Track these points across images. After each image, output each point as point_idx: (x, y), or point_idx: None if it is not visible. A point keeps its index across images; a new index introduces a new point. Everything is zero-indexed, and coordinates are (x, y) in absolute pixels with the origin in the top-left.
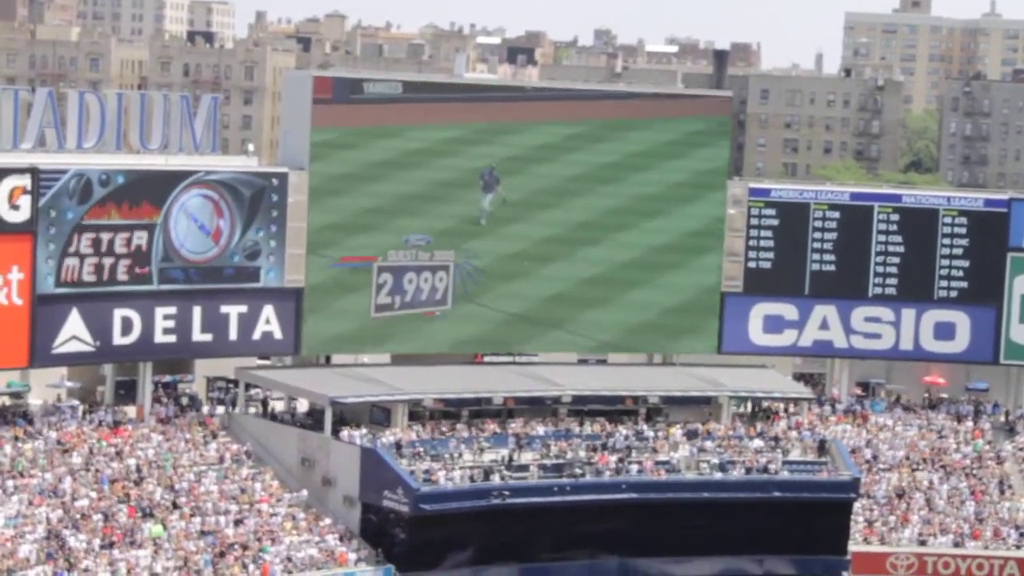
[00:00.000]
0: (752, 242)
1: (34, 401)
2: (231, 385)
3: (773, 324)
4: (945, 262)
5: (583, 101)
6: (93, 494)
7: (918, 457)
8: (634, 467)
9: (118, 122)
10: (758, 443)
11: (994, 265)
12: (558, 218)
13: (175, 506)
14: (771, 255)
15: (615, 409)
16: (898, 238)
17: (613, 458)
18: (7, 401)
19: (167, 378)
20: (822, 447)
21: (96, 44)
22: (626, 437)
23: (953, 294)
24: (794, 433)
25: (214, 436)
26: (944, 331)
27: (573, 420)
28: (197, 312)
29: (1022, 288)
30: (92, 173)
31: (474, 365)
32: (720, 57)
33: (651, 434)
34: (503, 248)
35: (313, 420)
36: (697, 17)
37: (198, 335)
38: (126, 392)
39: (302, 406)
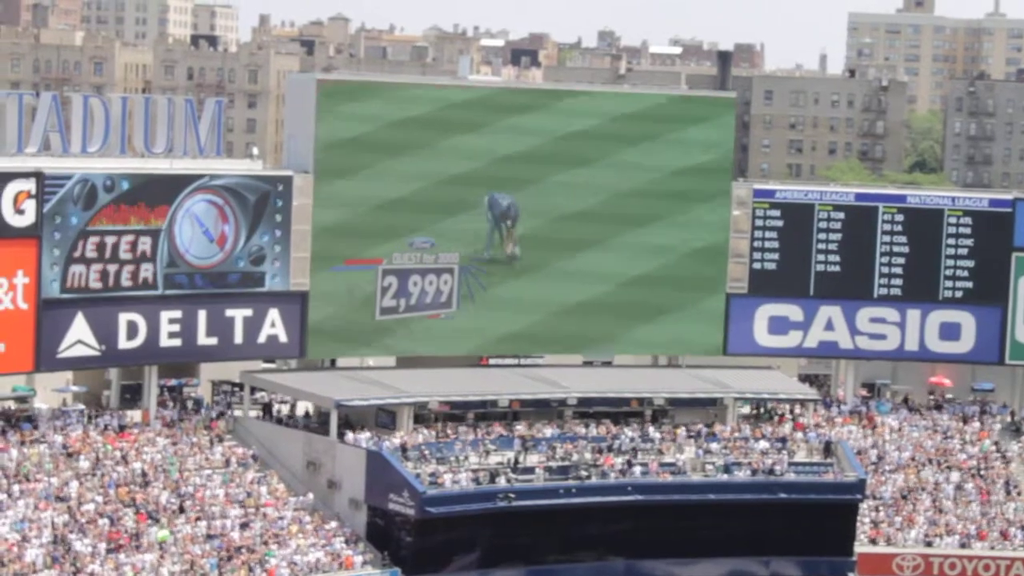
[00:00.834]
0: (757, 243)
1: (40, 405)
2: (236, 388)
3: (778, 325)
4: (950, 262)
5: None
6: (99, 498)
7: (924, 458)
8: (639, 469)
9: (122, 126)
10: (764, 444)
11: (999, 265)
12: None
13: (181, 510)
14: (776, 256)
15: (620, 411)
16: (903, 238)
17: (619, 460)
18: (13, 405)
19: (172, 382)
20: (828, 448)
21: (100, 48)
22: (631, 439)
23: (958, 294)
24: (800, 434)
25: (220, 440)
26: (949, 331)
27: (578, 422)
28: (202, 316)
29: None
30: (97, 178)
31: (479, 368)
32: (724, 58)
33: (657, 436)
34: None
35: (319, 423)
36: (701, 18)
37: (203, 339)
38: (131, 396)
39: (307, 409)
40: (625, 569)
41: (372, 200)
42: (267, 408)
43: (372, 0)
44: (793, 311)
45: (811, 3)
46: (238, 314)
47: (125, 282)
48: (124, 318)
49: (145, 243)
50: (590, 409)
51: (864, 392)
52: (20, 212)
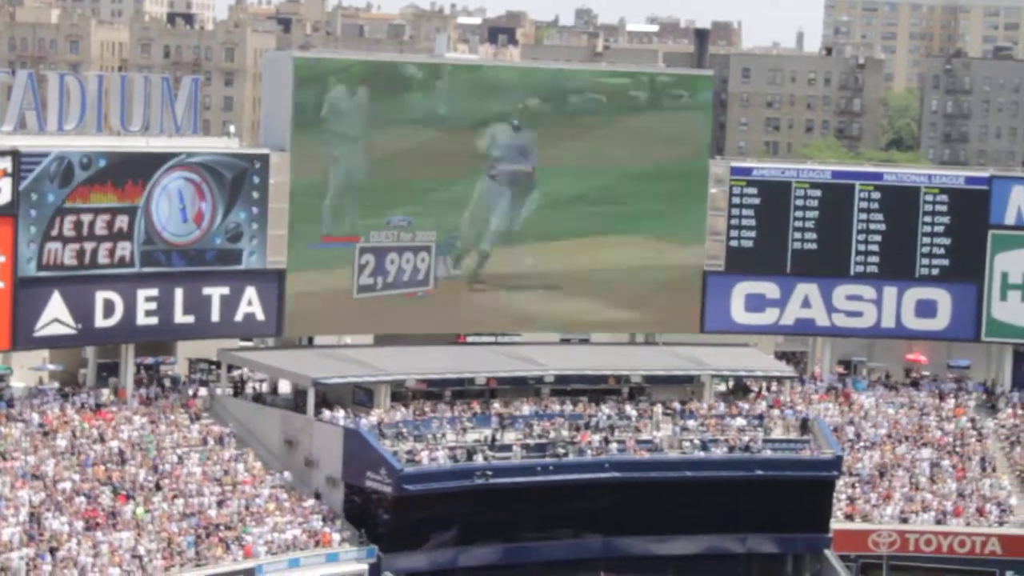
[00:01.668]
0: (734, 221)
1: (16, 384)
2: (213, 367)
3: (755, 303)
4: (926, 240)
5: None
6: (76, 476)
7: (900, 435)
8: (616, 446)
9: (99, 104)
10: (740, 422)
11: (975, 242)
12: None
13: (158, 488)
14: (753, 234)
15: (598, 388)
16: (879, 216)
17: (596, 437)
18: None
19: (149, 360)
20: (804, 425)
21: (76, 26)
22: (608, 416)
23: (935, 272)
24: (776, 411)
25: (197, 418)
26: (926, 309)
27: (556, 400)
28: (179, 294)
29: (1003, 265)
30: (73, 156)
31: (457, 345)
32: (701, 36)
33: (634, 413)
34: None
35: (296, 401)
36: None
37: (180, 317)
38: (108, 374)
39: (284, 387)
40: (602, 546)
41: (349, 178)
42: (239, 386)
43: None
44: (770, 289)
45: None
46: (215, 292)
47: (102, 260)
48: (101, 296)
49: (122, 221)
50: (567, 387)
51: (840, 369)
52: None
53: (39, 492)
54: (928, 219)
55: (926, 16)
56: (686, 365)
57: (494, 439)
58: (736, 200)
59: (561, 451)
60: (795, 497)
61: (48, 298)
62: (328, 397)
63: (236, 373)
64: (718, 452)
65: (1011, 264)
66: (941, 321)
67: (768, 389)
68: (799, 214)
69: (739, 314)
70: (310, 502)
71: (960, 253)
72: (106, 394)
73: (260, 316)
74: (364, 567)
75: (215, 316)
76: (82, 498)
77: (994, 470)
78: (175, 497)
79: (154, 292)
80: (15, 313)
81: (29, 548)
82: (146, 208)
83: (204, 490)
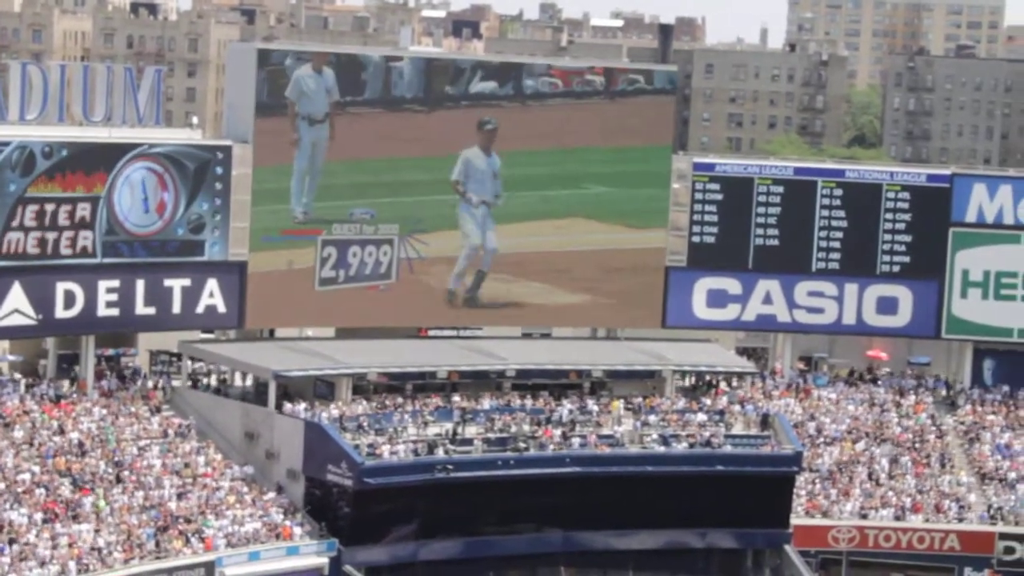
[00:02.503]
0: (696, 216)
1: None
2: (174, 359)
3: (717, 298)
4: (888, 237)
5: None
6: (35, 468)
7: (860, 431)
8: (578, 441)
9: (61, 94)
10: (701, 417)
11: (936, 240)
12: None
13: (118, 480)
14: (715, 229)
15: (559, 383)
16: (841, 213)
17: (557, 432)
18: None
19: (110, 352)
20: (765, 421)
21: (38, 15)
22: (570, 411)
23: (896, 269)
24: (737, 407)
25: (157, 410)
26: (886, 306)
27: (517, 394)
28: (140, 285)
29: (964, 263)
30: (35, 145)
31: (418, 339)
32: (665, 31)
33: (595, 408)
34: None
35: (257, 394)
36: None
37: (141, 308)
38: (68, 366)
39: (245, 380)
40: (563, 541)
41: (312, 170)
42: (199, 379)
43: None
44: (731, 284)
45: None
46: (176, 284)
47: (64, 250)
48: (61, 287)
49: (84, 210)
50: (529, 381)
51: (801, 365)
52: None
53: None
54: (890, 216)
55: (889, 13)
56: (647, 360)
57: (455, 433)
58: (699, 196)
59: (522, 445)
60: (755, 493)
61: (8, 288)
62: (289, 390)
63: (197, 365)
64: (679, 447)
65: (972, 262)
66: (902, 318)
67: (729, 385)
68: (761, 210)
69: (701, 310)
70: (270, 495)
71: (921, 250)
72: (66, 385)
73: (221, 308)
74: (324, 560)
75: (176, 308)
76: (41, 490)
77: (953, 467)
78: (135, 489)
79: (115, 283)
80: None
81: None
82: (108, 198)
83: (164, 482)
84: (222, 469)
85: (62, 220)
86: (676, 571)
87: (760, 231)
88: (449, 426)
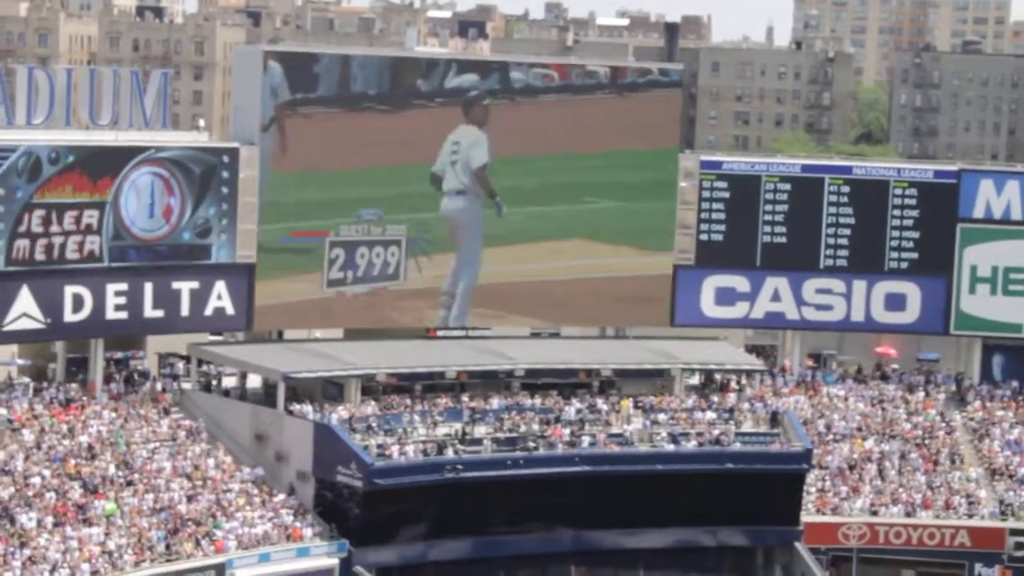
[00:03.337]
0: (704, 215)
1: None
2: (183, 361)
3: (725, 296)
4: (896, 233)
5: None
6: (45, 472)
7: (870, 428)
8: (587, 440)
9: (67, 98)
10: (711, 415)
11: (944, 236)
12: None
13: (128, 483)
14: (723, 228)
15: (568, 382)
16: (849, 210)
17: (566, 431)
18: None
19: (119, 355)
20: (774, 419)
21: (44, 19)
22: (579, 410)
23: (904, 265)
24: (746, 405)
25: (167, 412)
26: (895, 302)
27: (526, 394)
28: (148, 289)
29: (972, 259)
30: (41, 150)
31: (427, 339)
32: (671, 30)
33: (604, 407)
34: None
35: (266, 396)
36: None
37: (149, 311)
38: (77, 369)
39: (254, 381)
40: (573, 540)
41: (319, 172)
42: (208, 381)
43: None
44: (740, 282)
45: None
46: (184, 287)
47: (71, 255)
48: (70, 291)
49: (91, 216)
50: (538, 380)
51: (810, 362)
52: None
53: (8, 487)
54: (897, 213)
55: (895, 10)
56: (656, 359)
57: (464, 433)
58: (706, 194)
59: (531, 445)
60: (765, 490)
61: (17, 293)
62: (298, 391)
63: (205, 368)
64: (689, 446)
65: (980, 257)
66: (910, 315)
67: (739, 383)
68: (769, 208)
69: (709, 308)
70: (280, 497)
71: (929, 247)
72: (75, 389)
73: (230, 310)
74: (335, 562)
75: (184, 311)
76: (51, 493)
77: (963, 463)
78: (145, 492)
79: (123, 287)
80: None
81: None
82: (115, 203)
83: (174, 485)
84: (232, 471)
85: (68, 225)
86: (687, 569)
87: (768, 228)
88: (458, 426)
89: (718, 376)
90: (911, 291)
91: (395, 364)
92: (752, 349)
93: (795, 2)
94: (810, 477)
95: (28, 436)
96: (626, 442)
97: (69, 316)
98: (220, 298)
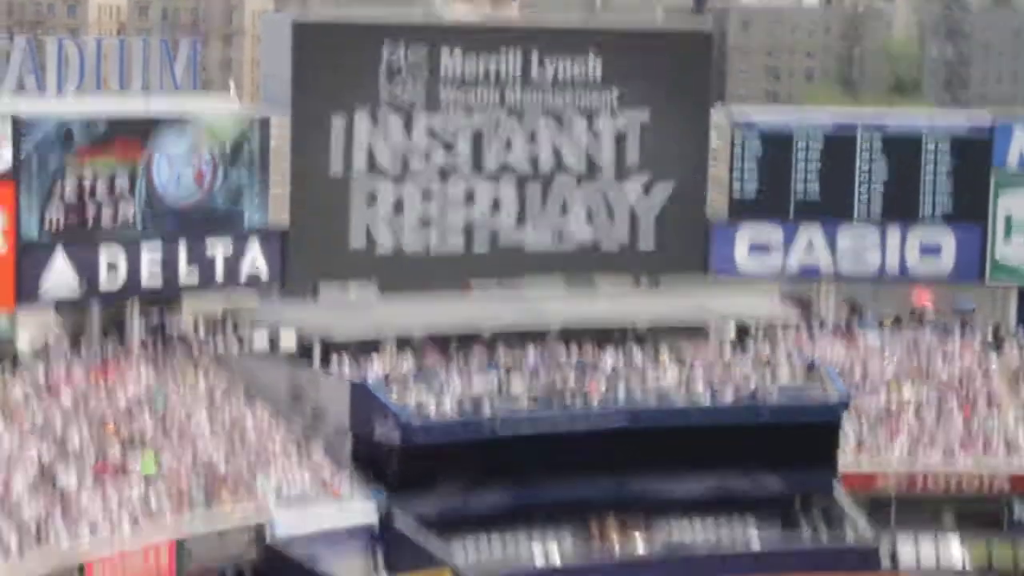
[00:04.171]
0: (736, 172)
1: (21, 345)
2: (219, 323)
3: (759, 249)
4: (929, 185)
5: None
6: (85, 432)
7: (906, 375)
8: (623, 392)
9: (97, 69)
10: (747, 367)
11: (978, 186)
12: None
13: (167, 442)
14: (755, 184)
15: (604, 335)
16: (882, 162)
17: (603, 384)
18: None
19: (155, 318)
20: (811, 368)
21: None
22: (615, 363)
23: (938, 214)
24: (783, 356)
25: (204, 373)
26: (930, 251)
27: (562, 347)
28: (183, 253)
29: (1007, 208)
30: (73, 120)
31: (463, 294)
32: None
33: (640, 359)
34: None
35: (302, 354)
36: None
37: (185, 276)
38: (115, 332)
39: (290, 340)
40: (611, 488)
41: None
42: (244, 343)
43: None
44: (774, 235)
45: None
46: (218, 251)
47: (105, 222)
48: (104, 257)
49: (123, 183)
50: (573, 334)
51: (846, 313)
52: None
53: (49, 447)
54: (931, 163)
55: None
56: (692, 311)
57: (501, 388)
58: (738, 150)
59: (568, 399)
60: (803, 440)
61: (52, 260)
62: (334, 349)
63: (241, 329)
64: (725, 397)
65: (1014, 206)
66: (945, 264)
67: (774, 334)
68: (800, 164)
69: (743, 260)
70: (318, 454)
71: (963, 196)
72: (112, 351)
73: (264, 272)
74: (374, 517)
75: (219, 274)
76: (91, 453)
77: (1000, 408)
78: (184, 451)
79: (157, 252)
80: (18, 276)
81: (40, 501)
82: (147, 170)
83: (212, 443)
84: (270, 429)
85: (101, 193)
86: (726, 516)
87: (801, 183)
88: (495, 381)
89: (754, 327)
90: (946, 241)
91: (431, 320)
92: (787, 299)
93: None
94: (848, 425)
95: (66, 398)
96: (663, 394)
97: (104, 282)
98: (254, 260)
